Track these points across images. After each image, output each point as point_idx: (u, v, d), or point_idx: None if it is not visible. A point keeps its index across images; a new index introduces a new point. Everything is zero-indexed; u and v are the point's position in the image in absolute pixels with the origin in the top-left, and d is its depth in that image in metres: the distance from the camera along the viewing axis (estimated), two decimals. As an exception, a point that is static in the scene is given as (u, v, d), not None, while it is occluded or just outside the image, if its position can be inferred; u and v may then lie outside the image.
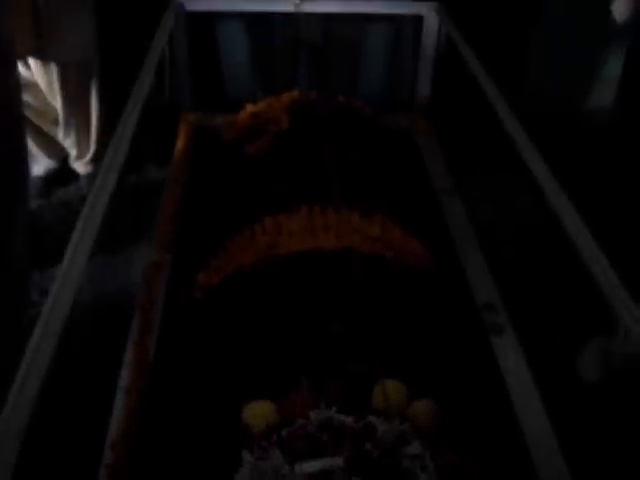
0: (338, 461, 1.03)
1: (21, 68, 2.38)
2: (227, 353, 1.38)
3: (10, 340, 1.88)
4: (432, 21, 2.33)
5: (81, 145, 2.89)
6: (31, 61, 2.56)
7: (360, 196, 1.77)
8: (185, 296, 1.62)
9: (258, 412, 1.16)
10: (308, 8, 2.40)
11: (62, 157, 3.02)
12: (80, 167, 2.96)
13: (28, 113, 2.64)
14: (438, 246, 1.76)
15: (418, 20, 2.42)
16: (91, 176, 2.96)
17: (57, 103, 2.70)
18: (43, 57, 2.52)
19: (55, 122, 2.87)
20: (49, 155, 2.96)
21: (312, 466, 1.02)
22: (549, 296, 2.09)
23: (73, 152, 2.93)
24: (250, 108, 2.18)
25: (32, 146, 2.78)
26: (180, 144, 2.29)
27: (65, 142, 2.90)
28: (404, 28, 2.98)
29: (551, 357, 1.83)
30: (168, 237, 1.89)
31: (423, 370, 1.33)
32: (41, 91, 2.70)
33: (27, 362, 1.00)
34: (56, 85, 2.63)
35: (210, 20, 2.92)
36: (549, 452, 1.31)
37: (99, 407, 1.44)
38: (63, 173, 3.02)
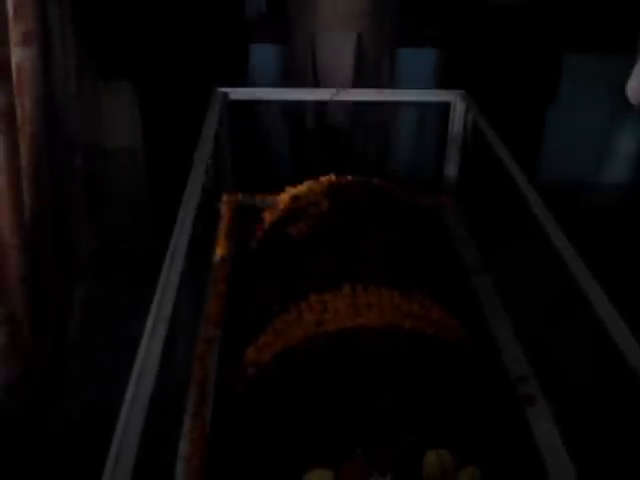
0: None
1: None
2: (283, 426, 1.49)
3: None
4: (459, 107, 2.48)
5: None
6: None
7: (398, 274, 1.90)
8: (238, 371, 1.74)
9: (320, 480, 1.26)
10: (342, 96, 2.56)
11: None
12: (125, 245, 3.12)
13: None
14: (470, 321, 1.88)
15: (445, 106, 2.58)
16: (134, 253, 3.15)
17: None
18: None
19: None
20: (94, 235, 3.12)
21: (374, 530, 1.12)
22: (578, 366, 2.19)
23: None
24: (290, 191, 2.33)
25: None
26: (224, 224, 2.44)
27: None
28: (430, 112, 3.19)
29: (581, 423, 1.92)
30: (217, 313, 2.02)
31: (466, 440, 1.43)
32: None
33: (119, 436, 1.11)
34: None
35: (246, 105, 3.10)
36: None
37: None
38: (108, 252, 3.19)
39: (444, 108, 2.66)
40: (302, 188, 2.32)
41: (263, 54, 3.46)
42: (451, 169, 2.58)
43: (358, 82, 3.14)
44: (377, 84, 3.15)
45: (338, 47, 3.11)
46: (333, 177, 2.36)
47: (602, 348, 1.46)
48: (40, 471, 2.04)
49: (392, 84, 3.30)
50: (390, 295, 1.77)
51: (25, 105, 1.80)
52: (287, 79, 3.34)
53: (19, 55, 1.75)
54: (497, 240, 2.70)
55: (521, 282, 2.48)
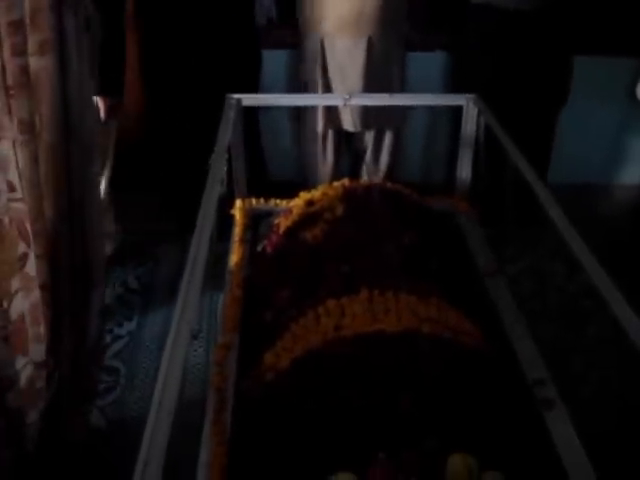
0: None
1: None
2: (304, 430, 1.49)
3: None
4: (471, 111, 2.48)
5: None
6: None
7: (415, 279, 1.91)
8: (256, 376, 1.74)
9: (344, 484, 1.27)
10: (355, 101, 2.56)
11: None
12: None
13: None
14: (486, 325, 1.88)
15: (457, 109, 2.59)
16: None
17: None
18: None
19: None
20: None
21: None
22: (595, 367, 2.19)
23: None
24: (304, 196, 2.34)
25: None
26: (238, 230, 2.45)
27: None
28: (441, 115, 3.19)
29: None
30: (234, 319, 2.02)
31: (486, 443, 1.43)
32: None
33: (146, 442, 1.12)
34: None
35: (254, 109, 3.12)
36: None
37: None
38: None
39: (456, 112, 2.68)
40: (316, 193, 2.33)
41: (273, 60, 3.47)
42: (464, 172, 2.58)
43: (369, 86, 3.15)
44: (388, 88, 3.16)
45: (348, 51, 3.12)
46: (347, 182, 2.37)
47: (619, 348, 1.46)
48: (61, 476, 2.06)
49: (403, 88, 3.32)
50: (407, 300, 1.78)
51: (42, 114, 1.81)
52: (297, 84, 3.35)
53: (35, 64, 1.76)
54: (511, 242, 2.71)
55: (535, 284, 2.49)
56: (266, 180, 3.49)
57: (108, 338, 2.77)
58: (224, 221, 2.50)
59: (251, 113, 3.08)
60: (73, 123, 1.95)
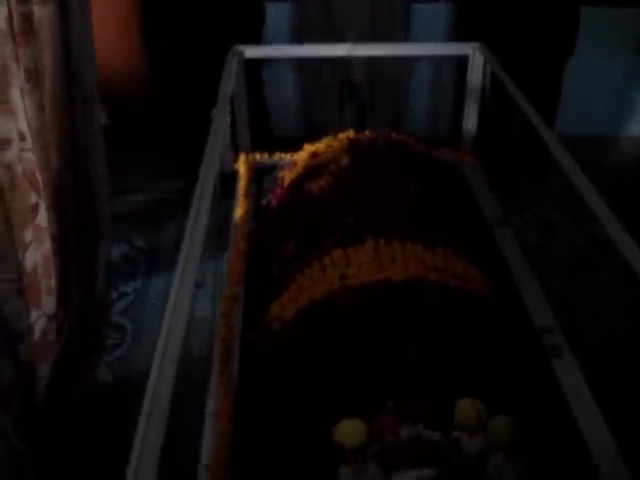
0: (430, 472, 1.14)
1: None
2: (310, 380, 1.49)
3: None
4: (477, 60, 2.45)
5: None
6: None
7: (421, 228, 1.89)
8: (262, 327, 1.74)
9: (351, 430, 1.26)
10: (359, 52, 2.53)
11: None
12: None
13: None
14: (494, 273, 1.87)
15: (462, 59, 2.55)
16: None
17: None
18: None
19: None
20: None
21: (408, 477, 1.13)
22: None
23: None
24: (309, 148, 2.31)
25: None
26: (242, 183, 2.43)
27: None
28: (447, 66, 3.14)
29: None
30: (240, 271, 2.02)
31: (494, 390, 1.43)
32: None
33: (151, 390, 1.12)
34: None
35: (257, 61, 3.08)
36: (610, 457, 1.42)
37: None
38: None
39: (461, 62, 2.64)
40: (321, 145, 2.31)
41: (276, 12, 3.43)
42: (470, 123, 2.56)
43: (373, 36, 3.11)
44: (392, 38, 3.12)
45: (351, 1, 3.08)
46: (352, 133, 2.34)
47: (629, 292, 1.44)
48: (69, 430, 2.07)
49: (407, 39, 3.27)
50: (413, 249, 1.76)
51: (45, 62, 1.79)
52: (302, 34, 3.31)
53: (38, 12, 1.73)
54: (517, 192, 2.68)
55: (541, 235, 2.47)
56: (270, 134, 3.46)
57: (114, 295, 2.76)
58: (228, 176, 2.49)
59: (254, 67, 3.04)
60: (74, 70, 1.92)
